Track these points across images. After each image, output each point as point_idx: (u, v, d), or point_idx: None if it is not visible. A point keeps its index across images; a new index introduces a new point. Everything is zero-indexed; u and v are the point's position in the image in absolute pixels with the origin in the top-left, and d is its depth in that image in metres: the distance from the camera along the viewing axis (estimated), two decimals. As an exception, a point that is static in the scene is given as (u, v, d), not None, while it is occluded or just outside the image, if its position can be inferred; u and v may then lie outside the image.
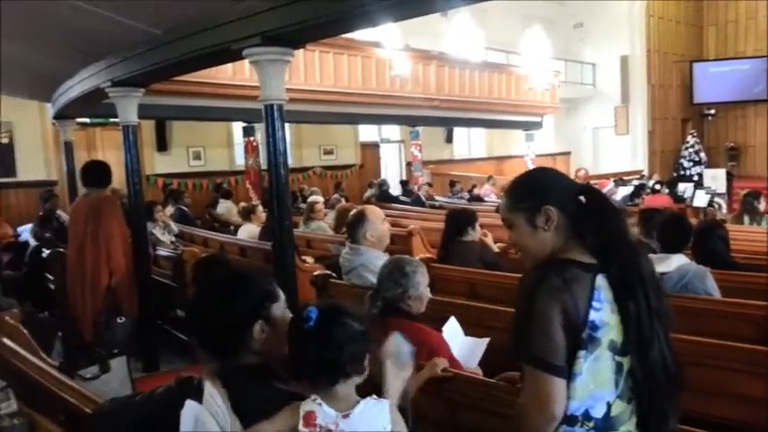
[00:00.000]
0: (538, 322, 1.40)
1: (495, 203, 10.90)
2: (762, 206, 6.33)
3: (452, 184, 13.75)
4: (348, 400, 1.45)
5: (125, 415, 1.55)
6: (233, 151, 12.59)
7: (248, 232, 6.48)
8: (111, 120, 9.08)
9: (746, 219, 6.27)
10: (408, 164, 14.43)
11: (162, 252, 5.74)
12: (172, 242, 6.20)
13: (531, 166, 14.63)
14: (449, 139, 16.71)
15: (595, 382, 1.42)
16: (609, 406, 1.43)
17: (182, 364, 4.79)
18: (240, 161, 11.67)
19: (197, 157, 12.06)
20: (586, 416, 1.42)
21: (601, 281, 1.44)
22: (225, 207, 9.70)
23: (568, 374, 1.41)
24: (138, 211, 4.94)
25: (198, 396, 1.38)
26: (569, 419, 1.42)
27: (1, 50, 4.30)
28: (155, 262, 5.42)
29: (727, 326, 2.95)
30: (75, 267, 4.69)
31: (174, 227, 6.83)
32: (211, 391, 1.35)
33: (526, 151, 15.59)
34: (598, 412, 1.42)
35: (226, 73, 8.48)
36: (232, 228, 8.03)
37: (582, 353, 1.40)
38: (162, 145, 11.58)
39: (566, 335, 1.40)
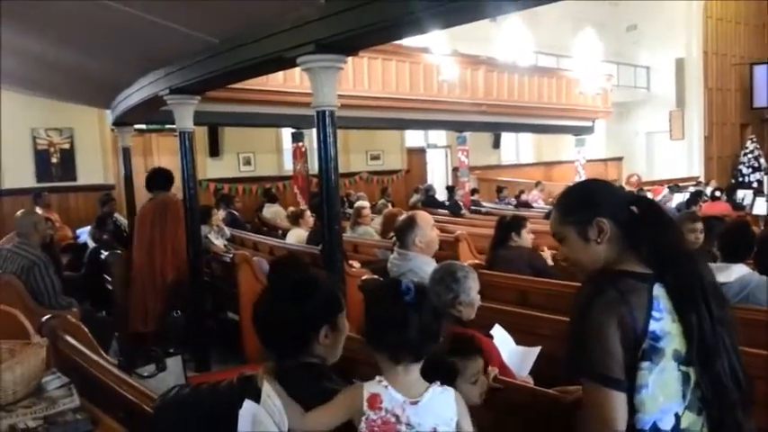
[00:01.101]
0: (595, 336, 1.38)
1: (543, 209, 10.74)
2: (828, 214, 6.03)
3: (499, 189, 13.62)
4: (416, 385, 1.45)
5: (191, 403, 1.61)
6: (282, 157, 12.81)
7: (296, 236, 6.57)
8: (167, 126, 9.40)
9: (812, 228, 5.98)
10: (455, 169, 14.35)
11: (214, 255, 5.87)
12: (225, 245, 6.35)
13: (581, 172, 14.52)
14: (496, 145, 16.56)
15: (664, 394, 1.38)
16: (678, 418, 1.40)
17: (232, 365, 4.89)
18: (288, 166, 11.86)
19: (247, 162, 12.33)
20: (655, 429, 1.39)
21: (658, 290, 1.42)
22: (273, 211, 9.87)
23: (632, 387, 1.38)
24: (193, 215, 5.08)
25: (256, 395, 1.41)
26: None
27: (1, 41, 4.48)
28: (207, 264, 5.56)
29: (793, 340, 2.81)
30: (143, 266, 5.08)
31: (227, 231, 6.99)
32: (269, 391, 1.39)
33: (576, 156, 15.27)
34: (666, 424, 1.39)
35: (276, 80, 8.64)
36: (280, 232, 8.15)
37: (646, 364, 1.38)
38: (214, 150, 11.89)
39: (624, 348, 1.37)
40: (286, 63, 3.64)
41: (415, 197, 12.43)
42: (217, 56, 4.16)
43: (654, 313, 1.39)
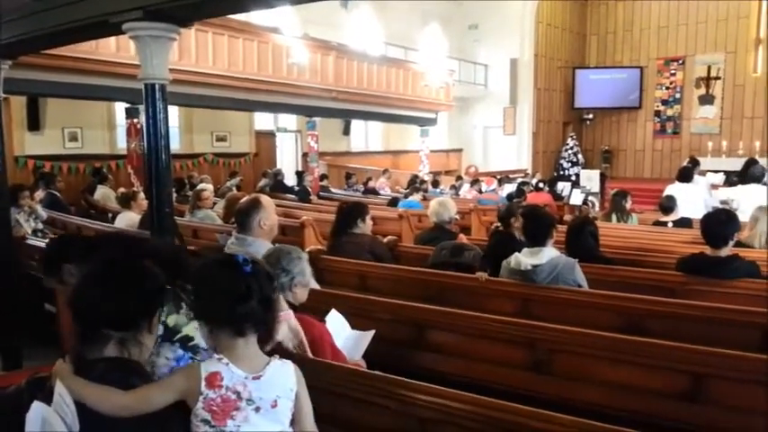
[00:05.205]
0: None
1: (388, 196, 11.07)
2: (628, 205, 6.86)
3: (348, 176, 13.79)
4: (256, 359, 1.46)
5: None
6: (114, 133, 11.78)
7: (127, 220, 6.07)
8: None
9: (615, 216, 6.77)
10: (305, 154, 14.27)
11: (31, 241, 5.26)
12: (39, 230, 5.70)
13: (425, 161, 15.15)
14: (346, 132, 16.72)
15: None
16: None
17: (46, 362, 4.43)
18: (122, 144, 10.93)
19: (73, 138, 11.17)
20: None
21: None
22: (102, 193, 9.08)
23: None
24: (1, 196, 4.49)
25: (48, 396, 1.26)
26: None
27: None
28: (23, 252, 4.97)
29: (594, 315, 3.17)
30: None
31: (43, 213, 6.28)
32: (61, 390, 1.24)
33: (421, 146, 15.96)
34: None
35: (108, 49, 7.96)
36: (110, 215, 7.53)
37: None
38: (34, 124, 10.61)
39: None
40: (112, 29, 3.33)
41: (264, 181, 12.17)
42: (30, 16, 3.72)
43: None
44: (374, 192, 12.74)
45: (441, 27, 17.97)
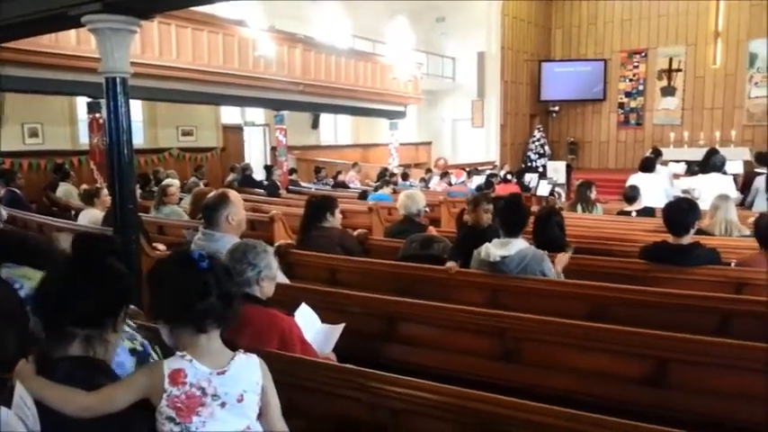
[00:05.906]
0: None
1: (359, 190, 11.06)
2: (593, 195, 6.98)
3: (318, 170, 13.72)
4: (220, 354, 1.45)
5: None
6: (76, 129, 11.46)
7: (90, 217, 5.94)
8: (-75, 88, 7.93)
9: (580, 207, 6.88)
10: (273, 149, 14.13)
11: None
12: (-1, 228, 5.53)
13: (395, 154, 15.15)
14: (315, 125, 16.61)
15: None
16: None
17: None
18: (85, 140, 10.66)
19: (34, 134, 10.84)
20: None
21: None
22: (64, 190, 8.86)
23: None
24: (-45, 193, 4.37)
25: (8, 398, 1.23)
26: None
27: None
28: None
29: (561, 304, 3.22)
30: None
31: (3, 212, 6.10)
32: (21, 393, 1.22)
33: (390, 140, 15.95)
34: None
35: (68, 42, 7.76)
36: (73, 213, 7.36)
37: None
38: (-8, 120, 10.29)
39: None
40: (71, 22, 3.25)
41: (232, 176, 12.01)
42: (-16, 7, 3.58)
43: None
44: (344, 185, 12.71)
45: (408, 20, 17.97)
